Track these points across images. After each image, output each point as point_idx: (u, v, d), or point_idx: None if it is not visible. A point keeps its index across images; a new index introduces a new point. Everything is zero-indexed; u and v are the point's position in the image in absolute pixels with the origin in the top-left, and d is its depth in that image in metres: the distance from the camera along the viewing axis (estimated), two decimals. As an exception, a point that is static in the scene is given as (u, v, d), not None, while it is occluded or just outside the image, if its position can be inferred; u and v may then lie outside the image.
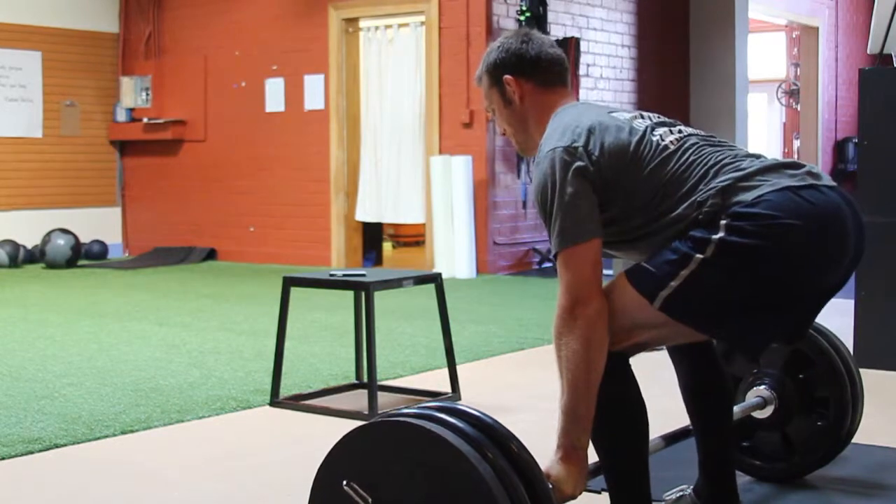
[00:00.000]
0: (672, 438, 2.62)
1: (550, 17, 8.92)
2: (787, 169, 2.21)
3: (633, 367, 2.31)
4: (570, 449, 2.19)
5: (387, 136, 9.21)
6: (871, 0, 12.61)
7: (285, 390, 4.21)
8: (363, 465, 1.99)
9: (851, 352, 4.65)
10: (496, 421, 1.97)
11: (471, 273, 8.42)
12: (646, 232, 2.24)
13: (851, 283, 4.75)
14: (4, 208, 9.90)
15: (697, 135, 2.33)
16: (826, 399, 2.93)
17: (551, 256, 2.22)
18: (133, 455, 3.48)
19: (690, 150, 2.26)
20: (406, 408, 2.04)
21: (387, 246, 11.19)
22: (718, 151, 2.27)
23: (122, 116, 10.54)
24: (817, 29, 13.36)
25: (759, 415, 2.92)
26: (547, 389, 4.48)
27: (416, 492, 1.92)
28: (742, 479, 2.93)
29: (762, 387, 2.93)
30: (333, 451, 2.04)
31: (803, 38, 13.68)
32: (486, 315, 6.34)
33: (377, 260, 9.80)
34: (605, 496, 2.87)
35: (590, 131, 2.25)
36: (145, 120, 10.35)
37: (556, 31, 9.12)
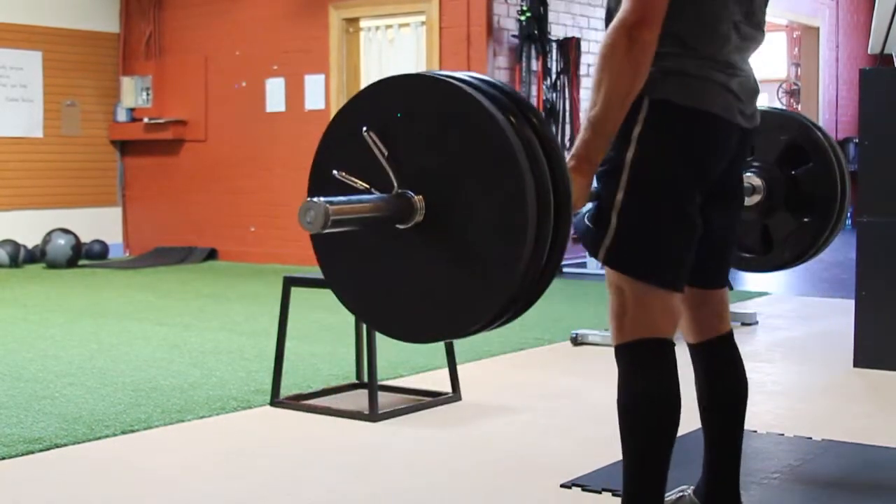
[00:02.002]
0: None
1: (551, 17, 8.92)
2: (732, 95, 2.22)
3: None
4: (582, 160, 2.13)
5: (387, 136, 9.20)
6: (871, 0, 12.60)
7: (286, 390, 4.21)
8: (386, 116, 1.88)
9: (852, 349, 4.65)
10: (525, 97, 1.91)
11: (471, 273, 8.40)
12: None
13: (852, 282, 4.76)
14: (5, 208, 9.90)
15: None
16: (813, 198, 2.85)
17: None
18: (133, 455, 3.48)
19: None
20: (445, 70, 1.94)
21: (387, 246, 11.19)
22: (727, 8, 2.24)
23: (122, 116, 10.54)
24: (818, 29, 13.35)
25: (745, 202, 2.87)
26: (547, 389, 4.49)
27: (434, 151, 1.84)
28: (743, 478, 2.93)
29: (751, 173, 2.87)
30: (359, 95, 1.92)
31: (804, 38, 13.68)
32: (486, 315, 6.33)
33: (378, 260, 9.79)
34: (606, 496, 2.88)
35: None
36: (146, 120, 10.36)
37: (557, 31, 9.12)
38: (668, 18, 2.16)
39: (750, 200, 2.85)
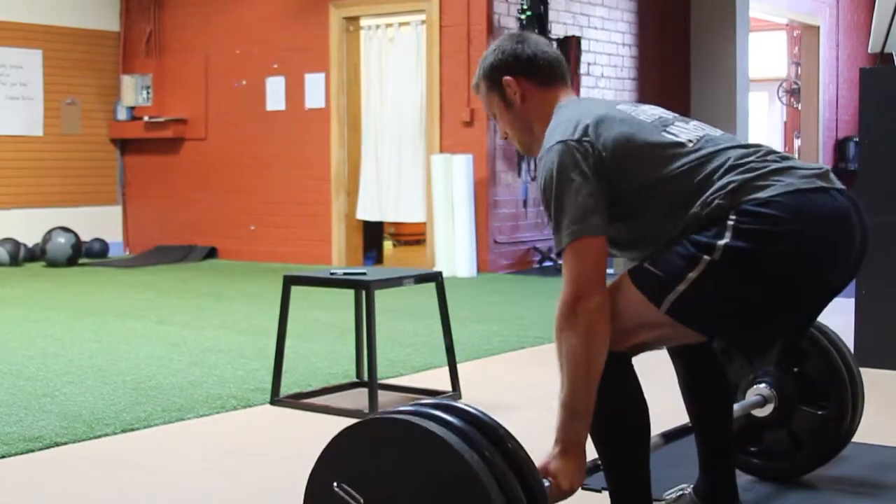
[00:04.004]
0: (670, 436, 2.62)
1: (551, 15, 8.92)
2: (798, 170, 2.17)
3: (634, 366, 2.31)
4: (568, 444, 2.18)
5: (387, 135, 9.21)
6: (872, 0, 12.61)
7: (286, 389, 4.21)
8: (355, 463, 1.98)
9: (851, 350, 4.66)
10: (488, 416, 1.96)
11: (471, 272, 8.42)
12: (653, 234, 2.20)
13: (851, 282, 4.76)
14: (5, 207, 9.90)
15: (711, 135, 2.27)
16: (825, 390, 2.92)
17: (553, 254, 2.21)
18: (133, 453, 3.48)
19: (706, 148, 2.21)
20: (399, 406, 2.03)
21: (387, 244, 11.19)
22: (734, 150, 2.21)
23: (122, 115, 10.54)
24: (818, 28, 13.35)
25: (761, 413, 2.92)
26: (547, 388, 4.48)
27: (408, 488, 1.91)
28: (742, 478, 2.93)
29: (761, 385, 2.93)
30: (325, 451, 2.03)
31: (804, 37, 13.68)
32: (486, 314, 6.34)
33: (378, 259, 9.81)
34: (605, 495, 2.88)
35: (595, 125, 2.21)
36: (146, 118, 10.36)
37: (557, 30, 9.12)
38: (653, 217, 2.18)
39: (764, 411, 2.92)
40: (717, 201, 2.12)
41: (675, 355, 2.53)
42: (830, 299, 2.28)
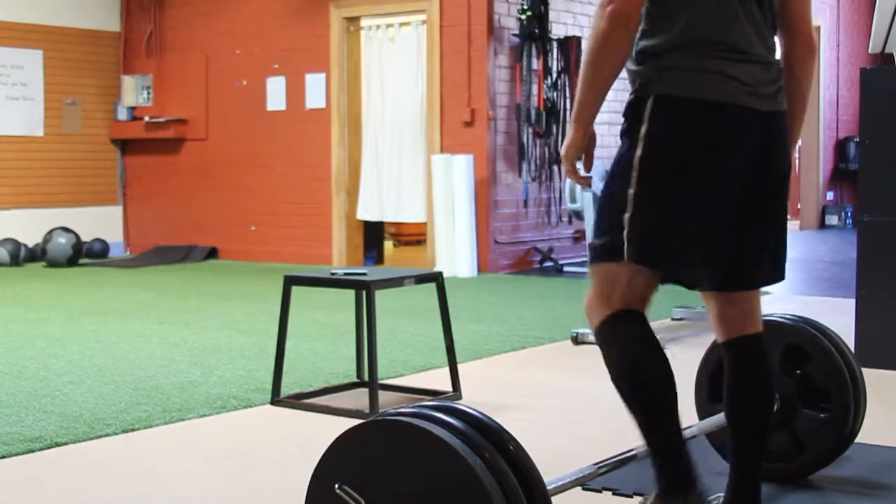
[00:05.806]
0: None
1: (552, 15, 8.92)
2: (732, 66, 2.24)
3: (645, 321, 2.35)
4: (573, 122, 2.32)
5: (388, 135, 9.21)
6: (872, 0, 12.60)
7: (286, 389, 4.22)
8: (356, 465, 1.99)
9: (852, 349, 4.66)
10: (490, 418, 1.97)
11: (472, 272, 8.42)
12: (664, 25, 2.27)
13: (852, 281, 4.75)
14: (6, 207, 9.91)
15: None
16: (827, 391, 2.93)
17: None
18: (134, 453, 3.48)
19: None
20: (400, 407, 2.04)
21: (388, 245, 11.19)
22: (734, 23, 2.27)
23: (123, 115, 10.54)
24: (819, 28, 13.35)
25: None
26: (548, 388, 4.49)
27: (408, 490, 1.91)
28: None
29: None
30: (327, 453, 2.04)
31: (805, 38, 13.66)
32: (486, 314, 6.34)
33: (378, 259, 9.81)
34: (606, 495, 2.88)
35: None
36: (146, 118, 10.36)
37: (558, 30, 9.12)
38: (661, 13, 2.25)
39: None
40: (658, 63, 2.25)
41: (723, 350, 2.49)
42: (761, 213, 2.36)
